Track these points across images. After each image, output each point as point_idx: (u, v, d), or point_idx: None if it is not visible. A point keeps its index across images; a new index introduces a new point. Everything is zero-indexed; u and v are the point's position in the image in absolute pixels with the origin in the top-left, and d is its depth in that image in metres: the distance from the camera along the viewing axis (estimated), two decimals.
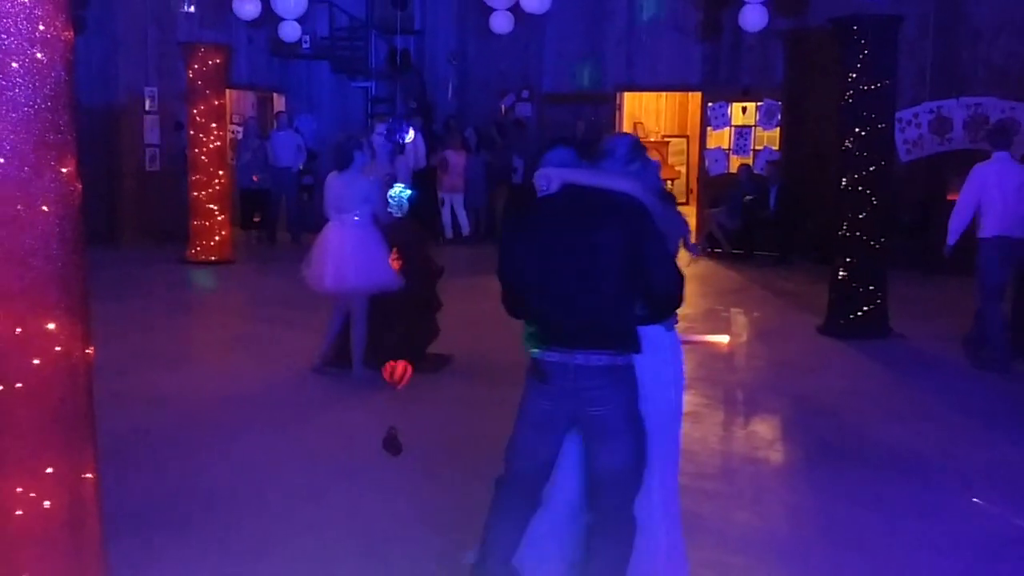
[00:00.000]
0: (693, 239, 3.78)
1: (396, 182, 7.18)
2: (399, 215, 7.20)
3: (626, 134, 3.78)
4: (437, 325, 7.54)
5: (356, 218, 6.86)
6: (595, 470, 3.41)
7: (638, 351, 3.36)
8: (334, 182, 6.96)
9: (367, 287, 6.89)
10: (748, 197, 13.48)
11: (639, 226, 3.25)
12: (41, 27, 2.65)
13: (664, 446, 3.64)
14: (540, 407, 3.47)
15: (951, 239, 7.94)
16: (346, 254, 6.83)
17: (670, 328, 3.68)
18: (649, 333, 3.45)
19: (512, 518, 3.57)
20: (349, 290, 6.93)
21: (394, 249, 6.92)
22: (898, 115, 11.62)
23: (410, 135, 7.01)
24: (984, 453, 5.80)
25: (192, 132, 12.68)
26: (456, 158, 14.73)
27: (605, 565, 3.42)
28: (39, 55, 2.65)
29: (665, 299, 3.34)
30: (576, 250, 3.29)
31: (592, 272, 3.28)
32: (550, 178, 3.45)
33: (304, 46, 15.39)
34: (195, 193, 12.57)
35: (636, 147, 3.68)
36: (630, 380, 3.36)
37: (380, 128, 7.57)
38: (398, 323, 7.17)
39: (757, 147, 14.56)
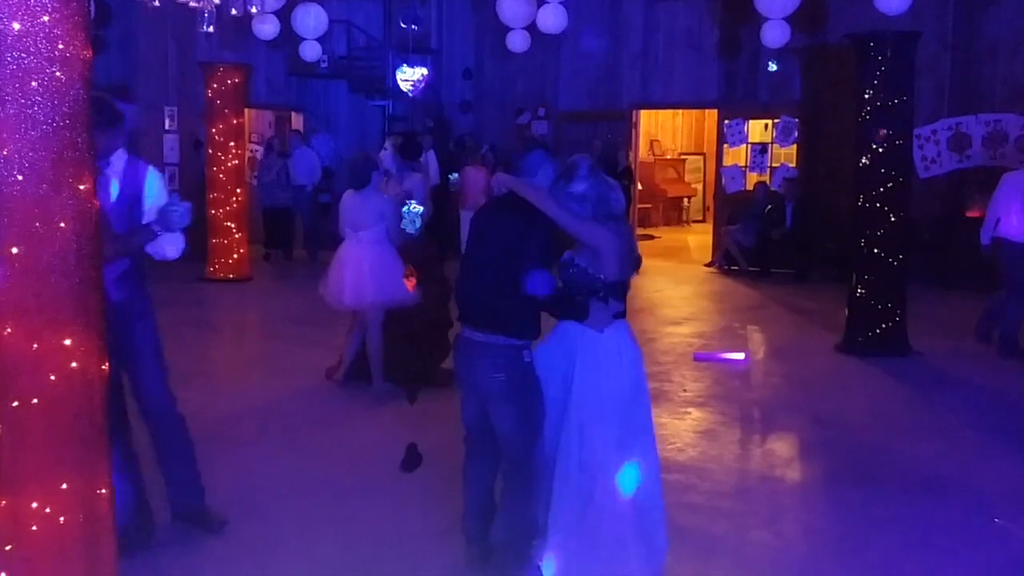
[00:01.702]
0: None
1: (411, 199, 7.22)
2: (413, 233, 7.23)
3: (577, 157, 4.04)
4: (449, 342, 7.57)
5: (366, 234, 6.93)
6: (495, 429, 4.02)
7: (518, 335, 3.87)
8: (349, 200, 7.03)
9: (385, 303, 6.97)
10: (768, 207, 13.47)
11: (527, 232, 3.83)
12: (60, 46, 2.68)
13: (627, 427, 3.91)
14: (458, 374, 4.12)
15: (983, 240, 8.66)
16: (364, 271, 6.91)
17: (599, 328, 3.92)
18: (588, 327, 3.91)
19: (469, 474, 4.24)
20: (368, 306, 7.00)
21: (409, 266, 6.96)
22: (916, 132, 11.59)
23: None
24: (1005, 472, 5.74)
25: (211, 151, 12.78)
26: (476, 175, 14.77)
27: (512, 500, 4.04)
28: (58, 74, 2.68)
29: (529, 299, 3.78)
30: (480, 242, 4.03)
31: (483, 260, 3.96)
32: (500, 183, 4.04)
33: (322, 65, 15.50)
34: (213, 211, 12.66)
35: (567, 169, 3.98)
36: (510, 359, 3.86)
37: (387, 146, 7.58)
38: (415, 339, 7.21)
39: (774, 164, 14.54)
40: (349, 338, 7.36)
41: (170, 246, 4.41)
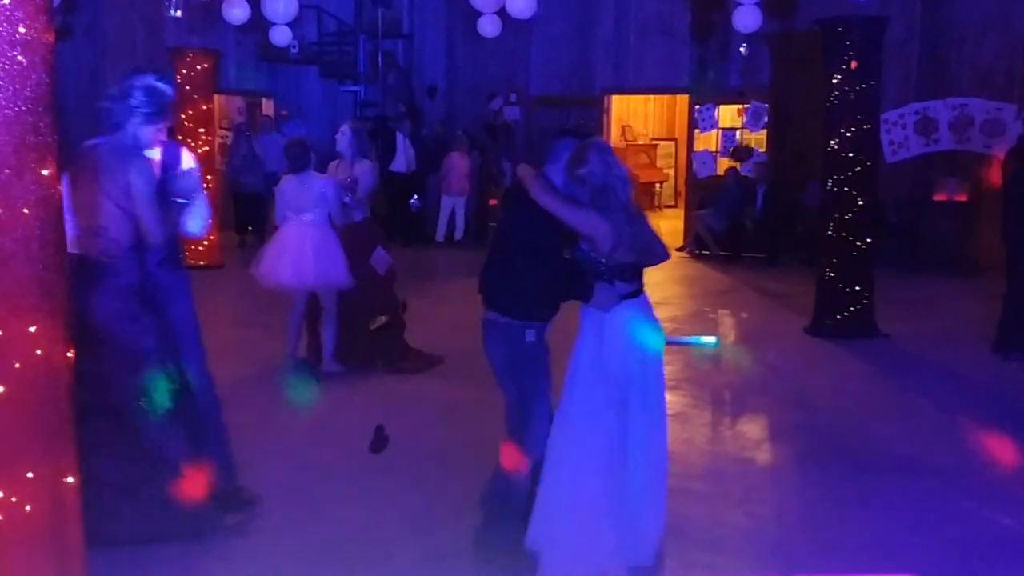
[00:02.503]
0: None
1: (357, 185, 7.26)
2: (359, 218, 7.30)
3: (588, 141, 4.18)
4: (402, 323, 7.65)
5: (310, 217, 7.01)
6: None
7: (520, 315, 4.10)
8: (288, 184, 7.08)
9: (323, 285, 7.08)
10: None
11: (525, 219, 4.08)
12: (22, 29, 2.64)
13: (631, 406, 4.05)
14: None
15: None
16: (307, 253, 6.98)
17: (605, 308, 4.06)
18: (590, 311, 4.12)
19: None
20: (307, 287, 7.11)
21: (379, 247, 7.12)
22: (884, 116, 11.69)
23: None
24: (971, 452, 5.81)
25: (180, 137, 12.65)
26: (460, 161, 14.75)
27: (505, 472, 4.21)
28: (19, 57, 2.64)
29: (528, 284, 4.06)
30: (497, 229, 4.45)
31: (495, 245, 4.35)
32: (513, 173, 4.30)
33: (293, 51, 15.38)
34: None
35: (576, 152, 4.11)
36: (513, 336, 4.10)
37: (343, 128, 7.56)
38: (366, 322, 7.31)
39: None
40: (288, 321, 7.41)
41: (192, 220, 4.43)
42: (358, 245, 7.22)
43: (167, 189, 4.30)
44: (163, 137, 4.34)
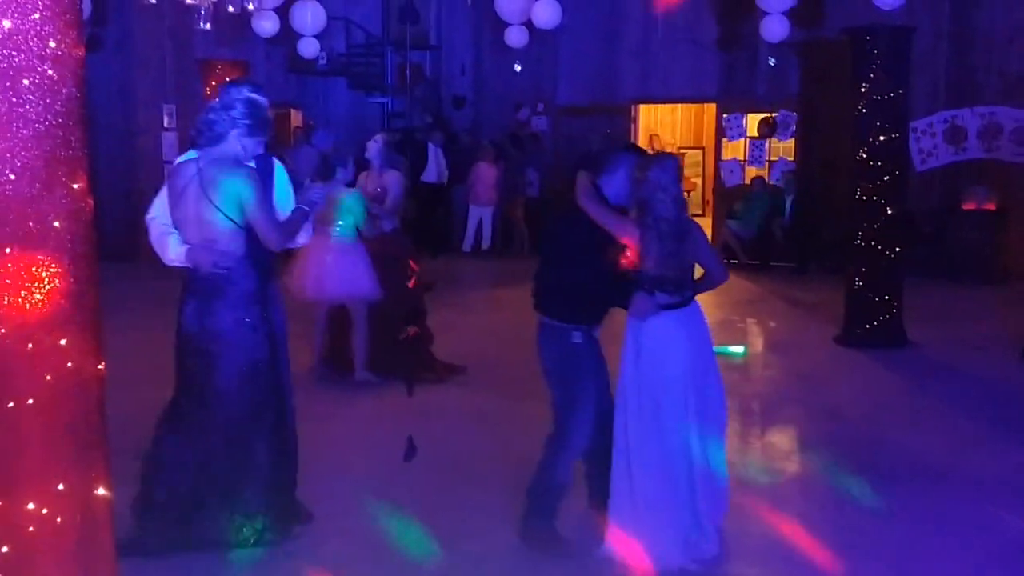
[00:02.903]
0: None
1: (387, 196, 7.28)
2: (388, 228, 7.33)
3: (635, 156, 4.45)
4: (430, 333, 7.65)
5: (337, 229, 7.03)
6: None
7: (565, 318, 4.31)
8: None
9: (347, 297, 7.08)
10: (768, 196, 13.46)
11: (570, 226, 4.32)
12: (52, 44, 2.67)
13: (668, 414, 4.18)
14: None
15: None
16: (327, 264, 6.99)
17: (641, 317, 4.20)
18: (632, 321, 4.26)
19: None
20: (329, 299, 7.13)
21: (410, 261, 7.10)
22: (913, 124, 11.60)
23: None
24: (1001, 461, 5.75)
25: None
26: (487, 171, 14.77)
27: (543, 460, 4.45)
28: (50, 72, 2.67)
29: (572, 288, 4.29)
30: (547, 235, 4.66)
31: (543, 251, 4.63)
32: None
33: (321, 62, 15.47)
34: None
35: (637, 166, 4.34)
36: (559, 338, 4.32)
37: (375, 139, 7.63)
38: (395, 332, 7.32)
39: (772, 158, 14.53)
40: (316, 329, 7.45)
41: (302, 233, 4.58)
42: (387, 256, 7.23)
43: (296, 197, 4.51)
44: (260, 149, 4.40)
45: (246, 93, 4.27)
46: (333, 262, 6.98)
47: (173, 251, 4.20)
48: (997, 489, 5.27)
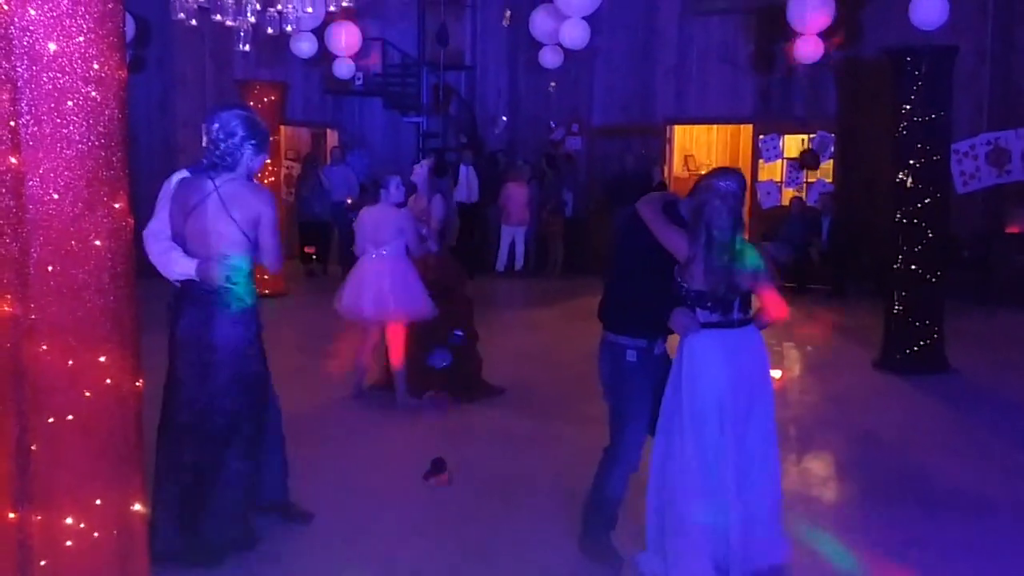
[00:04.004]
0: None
1: (432, 217, 7.34)
2: (434, 249, 7.35)
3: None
4: (478, 355, 7.67)
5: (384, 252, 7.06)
6: None
7: (621, 333, 4.26)
8: (367, 216, 7.15)
9: (406, 317, 7.08)
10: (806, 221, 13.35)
11: (627, 241, 4.36)
12: (96, 66, 2.71)
13: (704, 435, 4.11)
14: None
15: None
16: (385, 286, 7.01)
17: (682, 334, 4.17)
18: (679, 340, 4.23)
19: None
20: (389, 320, 7.11)
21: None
22: (954, 146, 11.46)
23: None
24: None
25: None
26: (518, 190, 14.80)
27: (596, 476, 4.47)
28: (93, 93, 2.71)
29: (628, 304, 4.29)
30: (611, 252, 4.71)
31: (608, 267, 4.65)
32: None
33: (357, 83, 15.62)
34: None
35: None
36: (615, 353, 4.29)
37: (423, 164, 7.74)
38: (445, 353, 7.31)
39: (810, 179, 14.43)
40: (360, 350, 7.47)
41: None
42: (431, 278, 7.26)
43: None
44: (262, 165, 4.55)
45: (243, 113, 4.39)
46: (390, 282, 7.00)
47: (181, 264, 4.25)
48: None
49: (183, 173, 4.53)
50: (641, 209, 4.23)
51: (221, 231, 4.22)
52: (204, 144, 4.43)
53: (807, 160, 14.15)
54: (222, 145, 4.28)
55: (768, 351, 4.36)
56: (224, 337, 4.27)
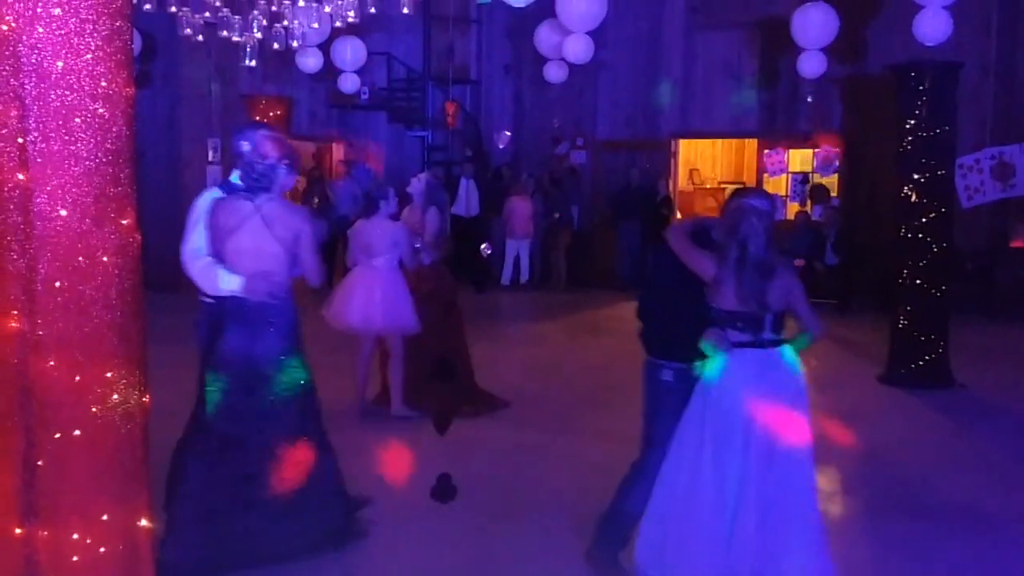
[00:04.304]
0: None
1: (426, 230, 7.38)
2: (427, 261, 7.36)
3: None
4: (470, 369, 7.68)
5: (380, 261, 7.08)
6: None
7: (656, 354, 4.36)
8: (362, 228, 7.17)
9: (391, 329, 7.11)
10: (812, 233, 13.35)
11: (656, 264, 4.56)
12: (103, 83, 2.74)
13: (726, 457, 4.10)
14: None
15: None
16: (375, 297, 7.04)
17: (721, 350, 4.13)
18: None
19: None
20: (374, 330, 7.14)
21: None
22: (959, 161, 11.46)
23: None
24: None
25: None
26: (521, 204, 14.83)
27: (622, 485, 4.52)
28: (101, 110, 2.73)
29: (662, 324, 4.37)
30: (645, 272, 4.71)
31: (643, 288, 4.74)
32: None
33: (363, 97, 15.67)
34: None
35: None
36: (650, 372, 4.37)
37: (420, 177, 7.76)
38: (435, 370, 7.30)
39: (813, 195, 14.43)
40: (357, 361, 7.43)
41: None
42: (425, 290, 7.29)
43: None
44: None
45: (271, 135, 4.55)
46: (380, 293, 7.02)
47: (226, 281, 4.38)
48: None
49: (214, 192, 4.72)
50: (669, 235, 4.34)
51: (264, 249, 4.41)
52: (237, 165, 4.59)
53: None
54: (258, 167, 4.46)
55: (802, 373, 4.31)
56: (271, 350, 4.45)
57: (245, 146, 4.46)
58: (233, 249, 4.43)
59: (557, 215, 14.95)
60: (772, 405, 4.08)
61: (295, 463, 4.49)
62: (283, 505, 4.47)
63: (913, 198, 8.56)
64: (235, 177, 4.75)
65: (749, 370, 4.09)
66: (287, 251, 4.44)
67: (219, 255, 4.47)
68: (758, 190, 4.33)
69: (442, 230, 7.59)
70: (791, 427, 4.14)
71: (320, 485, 4.61)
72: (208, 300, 4.67)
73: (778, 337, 4.17)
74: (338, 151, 16.68)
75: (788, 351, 4.19)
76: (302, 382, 4.58)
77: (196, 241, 4.60)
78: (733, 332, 4.10)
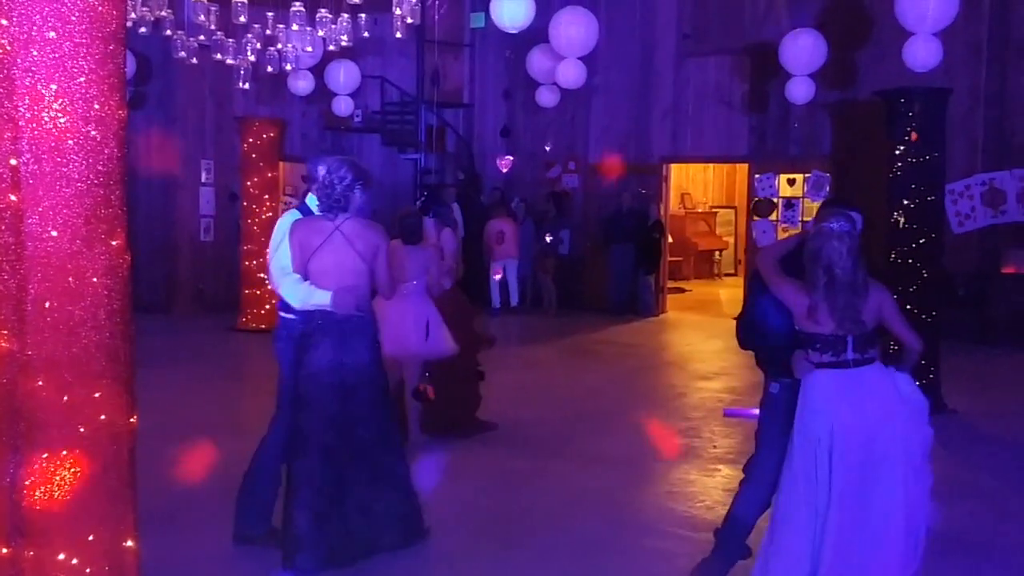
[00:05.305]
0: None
1: (445, 252, 7.33)
2: (448, 286, 7.31)
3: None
4: (479, 392, 7.64)
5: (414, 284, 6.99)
6: None
7: (767, 372, 4.54)
8: (398, 252, 7.07)
9: (427, 354, 6.98)
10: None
11: (752, 288, 4.61)
12: (96, 106, 2.75)
13: (810, 479, 4.17)
14: None
15: None
16: (408, 322, 6.88)
17: (804, 372, 4.22)
18: None
19: None
20: (409, 356, 6.98)
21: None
22: (950, 187, 11.54)
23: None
24: None
25: (245, 203, 12.97)
26: (507, 227, 14.85)
27: (735, 497, 4.71)
28: (93, 133, 2.75)
29: (764, 344, 4.51)
30: None
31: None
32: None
33: (356, 120, 15.75)
34: (247, 263, 12.80)
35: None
36: (765, 388, 4.54)
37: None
38: (452, 391, 7.23)
39: (805, 218, 14.50)
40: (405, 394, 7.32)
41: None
42: (447, 314, 7.19)
43: None
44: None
45: (346, 159, 4.87)
46: (413, 321, 6.88)
47: (316, 296, 4.65)
48: None
49: (294, 214, 5.01)
50: (759, 260, 4.46)
51: (346, 265, 4.69)
52: (313, 189, 4.89)
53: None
54: (336, 189, 4.72)
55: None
56: (361, 358, 4.74)
57: (321, 171, 4.75)
58: (317, 266, 4.69)
59: (549, 238, 14.98)
60: (863, 428, 4.09)
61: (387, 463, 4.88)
62: (376, 505, 4.79)
63: (903, 223, 8.60)
64: (311, 200, 5.01)
65: (831, 391, 4.11)
66: (368, 265, 4.73)
67: (304, 272, 4.72)
68: (837, 211, 4.27)
69: (457, 252, 7.57)
70: (894, 449, 4.16)
71: (402, 485, 4.95)
72: (289, 316, 4.90)
73: (864, 356, 4.16)
74: None
75: (880, 369, 4.23)
76: (384, 390, 4.95)
77: (283, 259, 4.82)
78: (814, 353, 4.14)
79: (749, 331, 4.52)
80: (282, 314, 5.01)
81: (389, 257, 4.94)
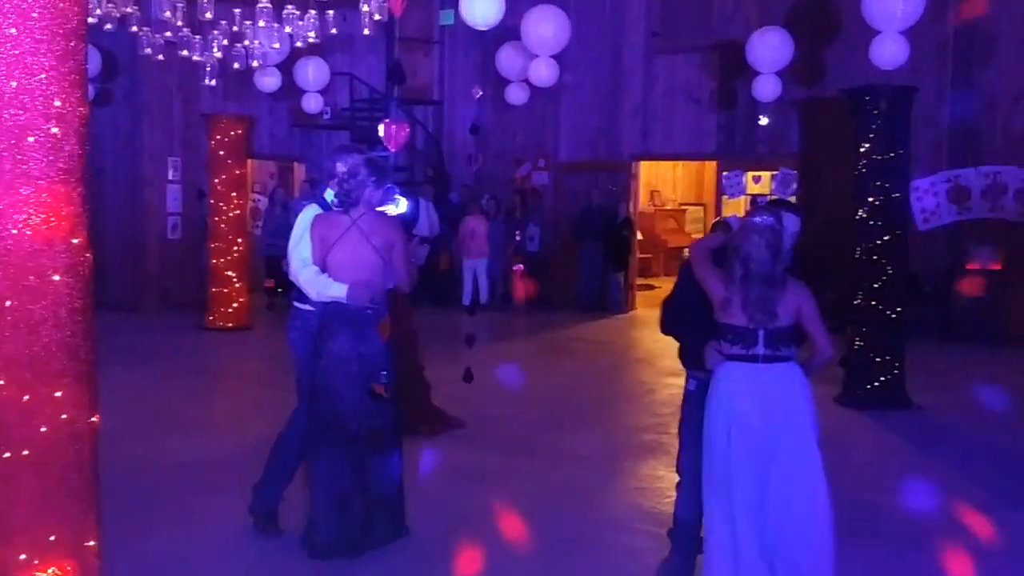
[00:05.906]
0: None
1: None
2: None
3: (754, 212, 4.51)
4: (425, 387, 7.66)
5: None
6: None
7: (686, 367, 4.65)
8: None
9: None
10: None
11: (681, 279, 4.69)
12: (57, 103, 2.73)
13: (718, 472, 4.25)
14: None
15: None
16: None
17: (714, 363, 4.29)
18: None
19: None
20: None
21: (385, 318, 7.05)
22: (915, 184, 11.66)
23: (401, 205, 7.12)
24: (1004, 527, 5.68)
25: (213, 201, 12.87)
26: (478, 224, 14.86)
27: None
28: (54, 129, 2.72)
29: (682, 337, 4.67)
30: None
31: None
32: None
33: (325, 117, 15.68)
34: (214, 260, 12.71)
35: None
36: (685, 382, 4.72)
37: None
38: (401, 390, 7.25)
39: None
40: None
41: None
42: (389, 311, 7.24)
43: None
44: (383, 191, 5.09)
45: (363, 157, 4.97)
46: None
47: (334, 289, 4.81)
48: (999, 556, 5.21)
49: (314, 208, 5.12)
50: (691, 249, 4.56)
51: (364, 258, 4.83)
52: (334, 183, 5.01)
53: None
54: (347, 184, 4.86)
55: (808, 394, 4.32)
56: (376, 347, 4.88)
57: (340, 167, 4.89)
58: (335, 259, 4.83)
59: (519, 236, 15.00)
60: (764, 423, 4.12)
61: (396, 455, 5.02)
62: (377, 497, 4.91)
63: (868, 220, 8.68)
64: (329, 194, 5.14)
65: (738, 383, 4.15)
66: (383, 260, 4.85)
67: (322, 265, 4.87)
68: (767, 207, 4.33)
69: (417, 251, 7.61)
70: (792, 445, 4.17)
71: (397, 479, 5.05)
72: (304, 307, 5.06)
73: (776, 353, 4.18)
74: (300, 171, 16.64)
75: (789, 367, 4.22)
76: (394, 382, 5.01)
77: (303, 251, 4.95)
78: (725, 344, 4.19)
79: (670, 316, 4.63)
80: (297, 304, 5.15)
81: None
